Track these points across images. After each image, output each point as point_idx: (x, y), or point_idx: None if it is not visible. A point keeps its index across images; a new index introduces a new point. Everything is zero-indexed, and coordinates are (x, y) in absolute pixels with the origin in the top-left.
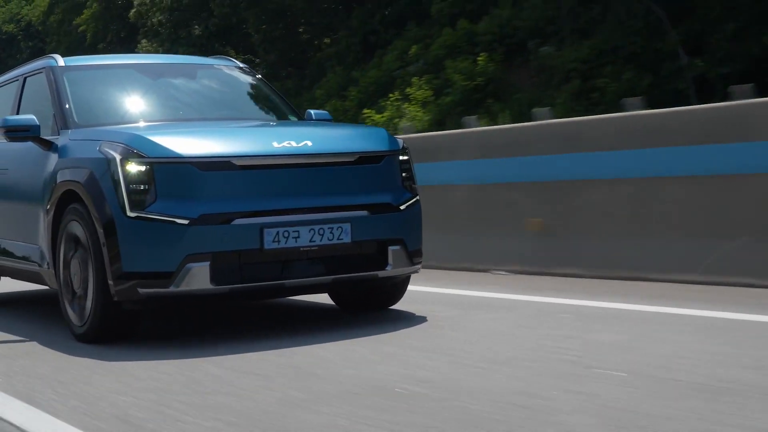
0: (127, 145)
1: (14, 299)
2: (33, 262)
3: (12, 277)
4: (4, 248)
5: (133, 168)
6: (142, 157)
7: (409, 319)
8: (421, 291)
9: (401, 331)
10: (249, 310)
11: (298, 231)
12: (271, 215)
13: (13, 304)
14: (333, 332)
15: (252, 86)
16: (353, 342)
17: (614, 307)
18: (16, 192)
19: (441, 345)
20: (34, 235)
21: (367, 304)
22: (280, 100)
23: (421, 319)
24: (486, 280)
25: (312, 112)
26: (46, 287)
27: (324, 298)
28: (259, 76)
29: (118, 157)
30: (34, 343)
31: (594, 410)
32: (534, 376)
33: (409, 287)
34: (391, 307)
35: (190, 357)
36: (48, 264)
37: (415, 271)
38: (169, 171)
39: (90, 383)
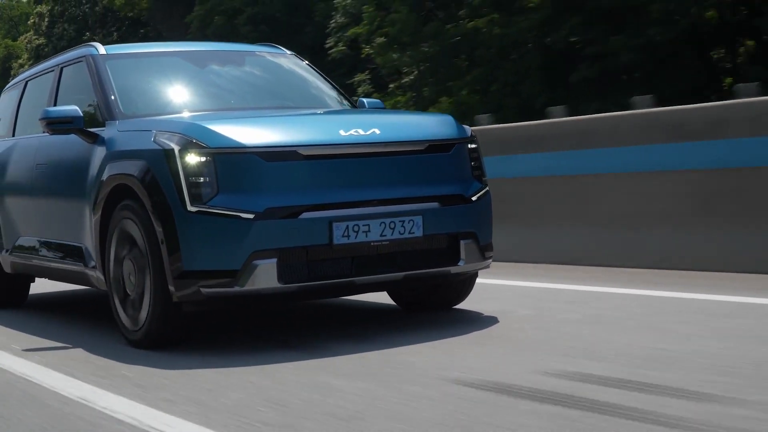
0: (185, 134)
1: (48, 301)
2: (76, 262)
3: (50, 279)
4: (42, 248)
5: (193, 159)
6: (202, 147)
7: (479, 319)
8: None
9: (480, 332)
10: (295, 312)
11: (368, 225)
12: (340, 208)
13: (46, 306)
14: (416, 333)
15: (302, 74)
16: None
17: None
18: (56, 188)
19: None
20: (78, 233)
21: (431, 303)
22: (332, 87)
23: (493, 320)
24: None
25: (365, 100)
26: (85, 288)
27: (381, 298)
28: (308, 63)
29: (176, 148)
30: (80, 350)
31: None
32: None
33: None
34: (455, 306)
35: (251, 364)
36: (94, 264)
37: (487, 267)
38: (232, 162)
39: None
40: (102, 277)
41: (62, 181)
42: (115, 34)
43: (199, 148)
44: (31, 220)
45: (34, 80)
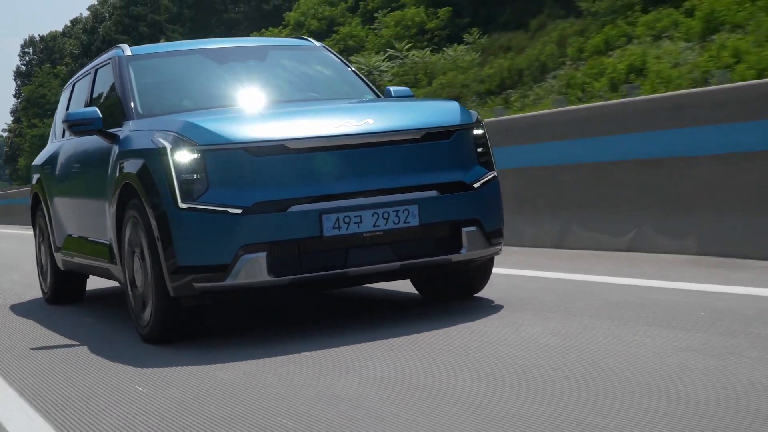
0: (177, 133)
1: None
2: (103, 258)
3: (91, 274)
4: (80, 246)
5: (184, 157)
6: (193, 144)
7: (481, 309)
8: (523, 276)
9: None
10: (311, 302)
11: (360, 216)
12: (330, 200)
13: (106, 302)
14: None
15: (328, 66)
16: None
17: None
18: (87, 187)
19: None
20: (104, 230)
21: (451, 291)
22: (358, 79)
23: (497, 308)
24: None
25: (392, 89)
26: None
27: (407, 287)
28: (337, 55)
29: (168, 146)
30: (84, 347)
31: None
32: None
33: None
34: (477, 294)
35: (261, 356)
36: (116, 260)
37: (496, 253)
38: (221, 158)
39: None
40: (121, 272)
41: (89, 181)
42: None
43: (189, 145)
44: (72, 220)
45: (79, 82)
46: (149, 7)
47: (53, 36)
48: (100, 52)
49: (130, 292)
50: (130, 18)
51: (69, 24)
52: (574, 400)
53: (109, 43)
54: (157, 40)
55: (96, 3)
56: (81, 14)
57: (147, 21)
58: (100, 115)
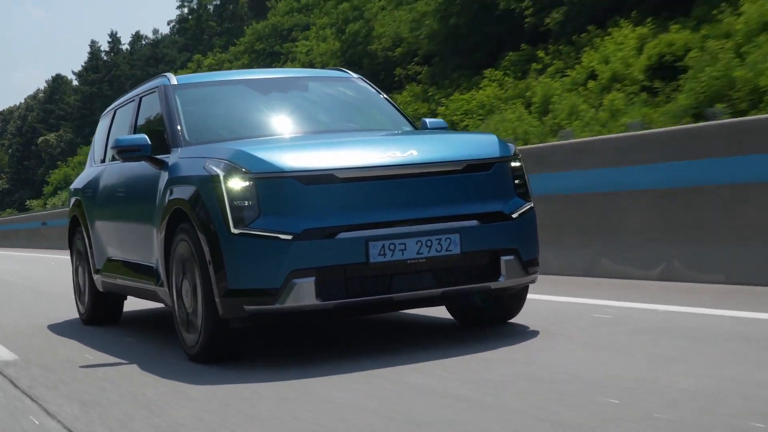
0: (230, 161)
1: (140, 317)
2: (149, 280)
3: (132, 296)
4: (123, 268)
5: (237, 184)
6: (246, 172)
7: (517, 335)
8: (551, 301)
9: (500, 349)
10: (354, 326)
11: (404, 243)
12: (376, 228)
13: (137, 323)
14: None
15: (365, 97)
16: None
17: None
18: (133, 211)
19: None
20: (149, 253)
21: (485, 317)
22: (395, 110)
23: (533, 334)
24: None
25: (427, 120)
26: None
27: (442, 313)
28: (373, 86)
29: (221, 174)
30: (134, 365)
31: None
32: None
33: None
34: (510, 321)
35: (303, 377)
36: (162, 282)
37: (532, 281)
38: (272, 186)
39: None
40: (168, 294)
41: (136, 205)
42: None
43: (242, 173)
44: (114, 242)
45: (121, 109)
46: (57, 105)
47: (10, 110)
48: (28, 133)
49: (177, 314)
50: (44, 113)
51: (23, 101)
52: (621, 421)
53: (35, 129)
54: (58, 130)
55: (28, 96)
56: (18, 103)
57: (54, 115)
58: (149, 142)
